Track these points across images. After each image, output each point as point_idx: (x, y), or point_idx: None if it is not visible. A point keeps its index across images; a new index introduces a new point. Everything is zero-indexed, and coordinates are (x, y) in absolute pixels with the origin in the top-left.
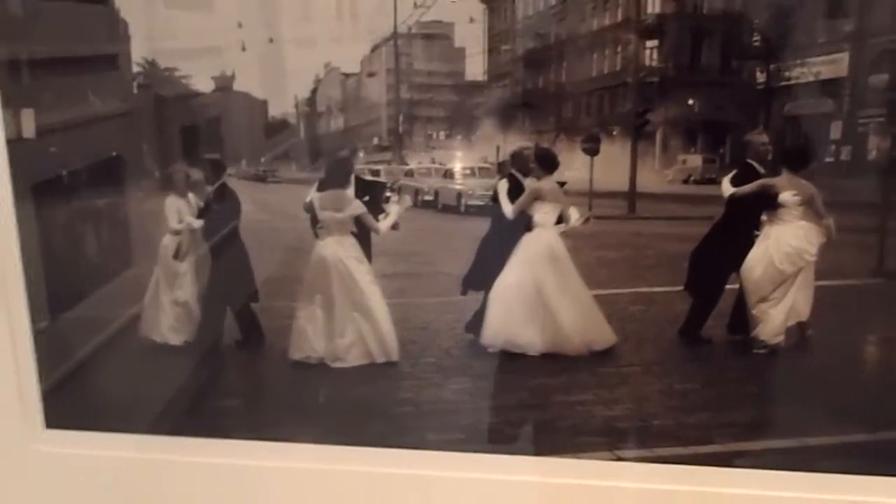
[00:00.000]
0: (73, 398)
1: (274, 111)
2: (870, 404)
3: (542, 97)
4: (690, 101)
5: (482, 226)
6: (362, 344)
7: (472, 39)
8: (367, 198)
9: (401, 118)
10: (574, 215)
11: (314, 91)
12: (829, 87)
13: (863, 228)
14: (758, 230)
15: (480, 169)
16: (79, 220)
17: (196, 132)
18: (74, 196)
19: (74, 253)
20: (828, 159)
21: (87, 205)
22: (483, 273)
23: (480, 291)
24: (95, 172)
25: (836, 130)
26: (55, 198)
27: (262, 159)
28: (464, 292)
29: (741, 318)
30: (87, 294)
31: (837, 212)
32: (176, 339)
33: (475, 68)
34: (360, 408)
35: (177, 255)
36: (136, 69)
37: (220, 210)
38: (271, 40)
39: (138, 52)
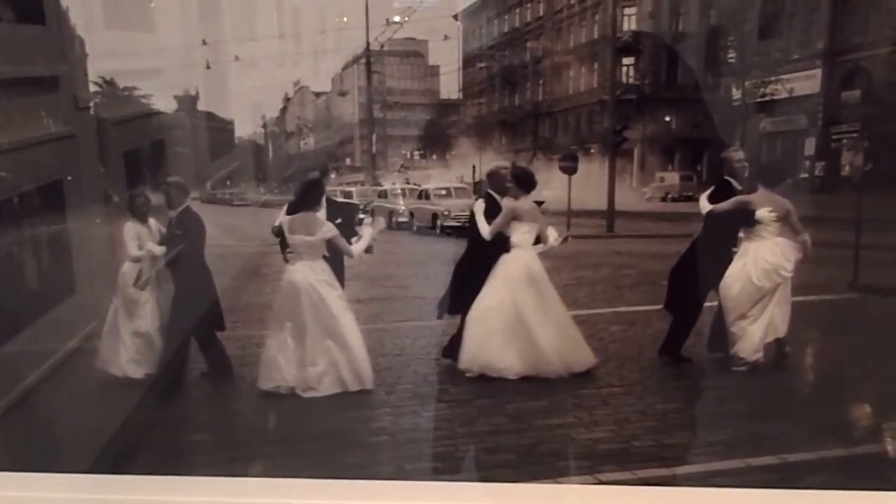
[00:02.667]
0: (13, 437)
1: (241, 132)
2: (849, 419)
3: (518, 115)
4: (667, 118)
5: (458, 247)
6: (335, 372)
7: (446, 57)
8: (339, 220)
9: (374, 138)
10: (552, 235)
11: (283, 110)
12: (802, 103)
13: (838, 243)
14: (735, 247)
15: (456, 189)
16: (20, 245)
17: (157, 154)
18: (19, 221)
19: (14, 280)
20: (803, 175)
21: (31, 230)
22: (460, 296)
23: (457, 315)
24: (44, 196)
25: (810, 146)
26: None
27: (228, 182)
28: (440, 316)
29: (720, 335)
30: (25, 325)
31: (813, 227)
32: (137, 372)
33: (450, 86)
34: (334, 438)
35: (137, 284)
36: (92, 88)
37: (183, 235)
38: (237, 58)
39: (94, 72)
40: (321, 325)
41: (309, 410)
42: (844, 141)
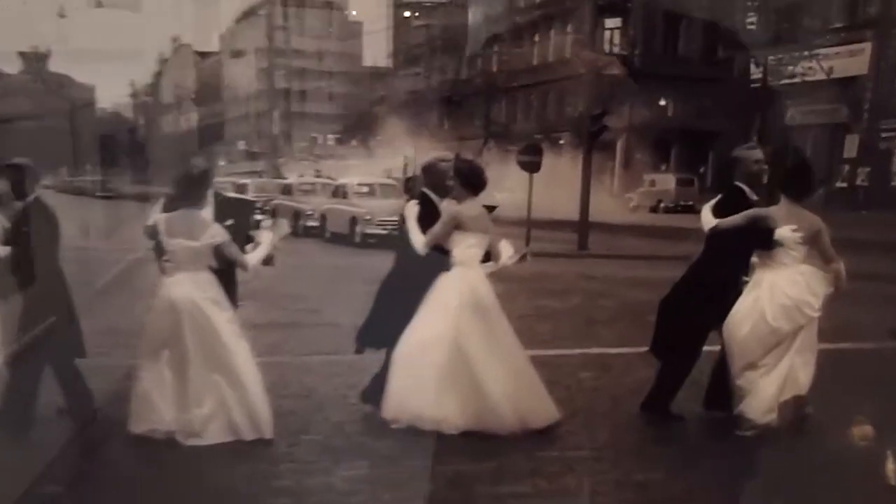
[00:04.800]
0: None
1: (104, 101)
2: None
3: (466, 91)
4: (663, 102)
5: (384, 262)
6: (225, 415)
7: (372, 9)
8: (230, 221)
9: (276, 115)
10: (506, 251)
11: (158, 75)
12: (844, 88)
13: (883, 276)
14: (746, 275)
15: (382, 186)
16: None
17: None
18: None
19: None
20: (839, 184)
21: None
22: (385, 325)
23: (382, 349)
24: None
25: (851, 146)
26: None
27: (88, 167)
28: (359, 350)
29: (722, 389)
30: None
31: (850, 254)
32: None
33: (377, 50)
34: (222, 500)
35: None
36: None
37: (31, 233)
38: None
39: None
40: (207, 356)
41: (191, 462)
42: None
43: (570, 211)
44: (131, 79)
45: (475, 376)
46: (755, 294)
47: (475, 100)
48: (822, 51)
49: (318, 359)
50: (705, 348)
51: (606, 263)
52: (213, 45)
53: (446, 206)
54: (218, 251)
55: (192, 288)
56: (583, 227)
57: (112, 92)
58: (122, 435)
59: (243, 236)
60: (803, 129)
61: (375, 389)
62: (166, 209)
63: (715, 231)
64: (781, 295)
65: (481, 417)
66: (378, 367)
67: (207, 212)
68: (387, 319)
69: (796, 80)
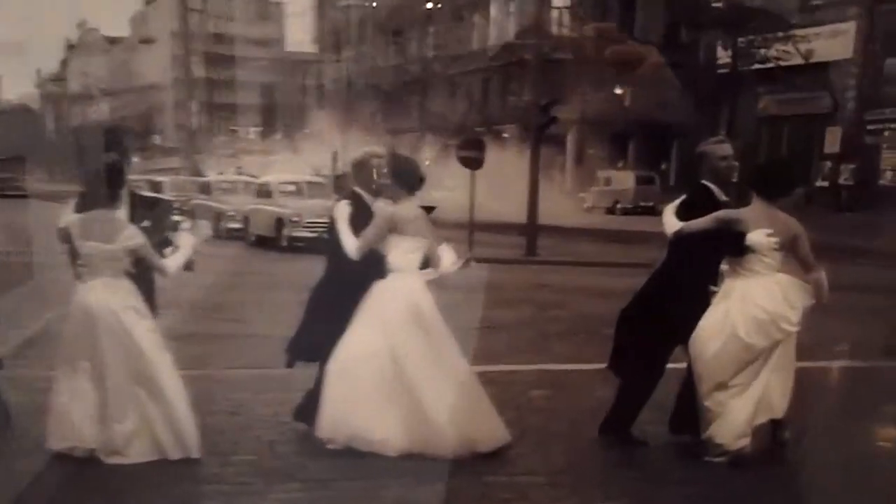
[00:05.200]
0: None
1: (9, 92)
2: None
3: (400, 79)
4: (619, 91)
5: (314, 268)
6: (148, 432)
7: None
8: (146, 223)
9: (193, 106)
10: (448, 257)
11: (64, 63)
12: (825, 73)
13: (870, 286)
14: (715, 285)
15: (310, 184)
16: None
17: None
18: None
19: None
20: (820, 183)
21: None
22: (317, 337)
23: (315, 363)
24: None
25: (833, 140)
26: None
27: None
28: (290, 364)
29: (689, 411)
30: None
31: (833, 261)
32: None
33: (301, 34)
34: None
35: None
36: None
37: None
38: None
39: None
40: (127, 368)
41: (113, 482)
42: (887, 133)
43: (517, 212)
44: (37, 67)
45: (416, 394)
46: (725, 306)
47: (410, 88)
48: (800, 31)
49: (246, 373)
50: (670, 366)
51: (558, 271)
52: (124, 30)
53: (380, 207)
54: (135, 255)
55: (108, 295)
56: (531, 230)
57: (18, 82)
58: (41, 452)
59: (161, 239)
60: (778, 121)
61: (309, 407)
62: (78, 209)
63: (679, 235)
64: (755, 307)
65: (424, 439)
66: (311, 383)
67: (122, 212)
68: (319, 331)
69: (770, 64)
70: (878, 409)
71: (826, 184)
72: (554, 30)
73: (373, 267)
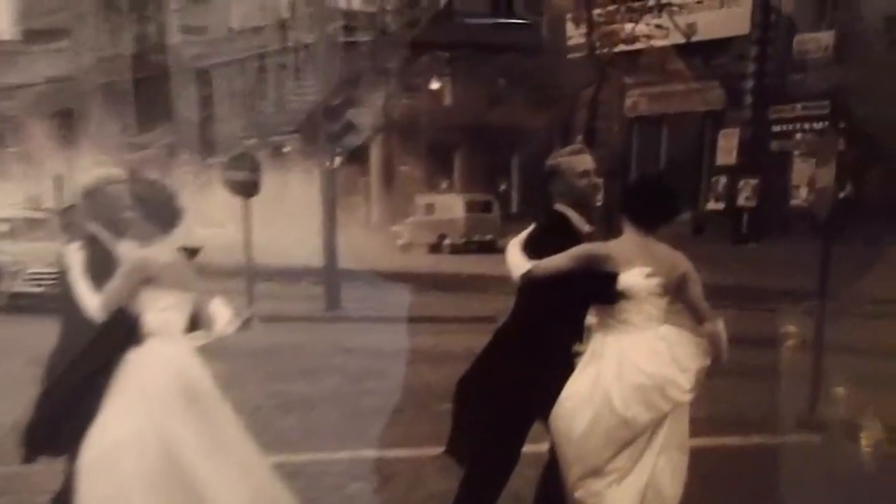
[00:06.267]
0: None
1: None
2: None
3: (137, 74)
4: (436, 85)
5: (47, 333)
6: None
7: None
8: None
9: None
10: (221, 314)
11: None
12: (714, 56)
13: (781, 339)
14: (581, 343)
15: (28, 222)
16: None
17: None
18: None
19: None
20: (712, 205)
21: None
22: (61, 422)
23: (61, 456)
24: None
25: (728, 147)
26: None
27: None
28: (28, 459)
29: (554, 502)
30: None
31: (733, 307)
32: None
33: None
34: None
35: None
36: None
37: None
38: None
39: None
40: None
41: None
42: (798, 136)
43: (311, 253)
44: None
45: (195, 487)
46: (595, 370)
47: (150, 85)
48: (677, 0)
49: None
50: (527, 448)
51: (371, 329)
52: None
53: (126, 251)
54: None
55: None
56: (331, 276)
57: None
58: None
59: None
60: (653, 123)
61: None
62: None
63: (529, 279)
64: (634, 371)
65: None
66: (59, 483)
67: None
68: (62, 414)
69: (638, 45)
70: (795, 494)
71: (721, 206)
72: (342, 3)
73: (124, 330)
